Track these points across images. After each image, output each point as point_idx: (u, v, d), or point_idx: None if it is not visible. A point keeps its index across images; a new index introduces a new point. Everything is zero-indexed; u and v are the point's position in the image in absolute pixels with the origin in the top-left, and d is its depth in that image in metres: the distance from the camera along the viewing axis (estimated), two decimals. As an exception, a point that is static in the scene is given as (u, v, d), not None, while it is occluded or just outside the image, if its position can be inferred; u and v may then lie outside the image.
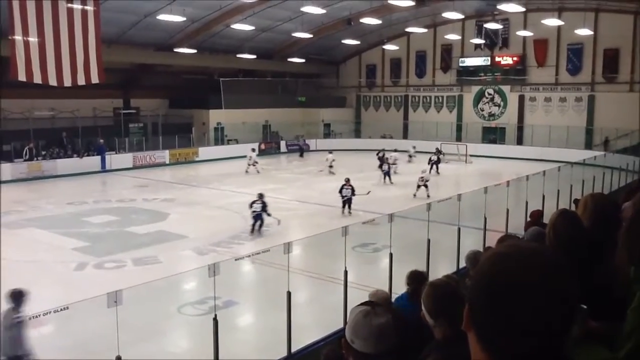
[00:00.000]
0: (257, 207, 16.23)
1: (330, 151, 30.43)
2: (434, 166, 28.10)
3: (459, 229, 10.51)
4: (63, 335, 8.66)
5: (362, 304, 2.17)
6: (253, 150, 31.12)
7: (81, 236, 15.76)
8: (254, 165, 28.86)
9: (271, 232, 16.06)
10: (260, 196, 16.54)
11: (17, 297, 6.56)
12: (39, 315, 5.05)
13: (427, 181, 21.61)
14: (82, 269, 12.76)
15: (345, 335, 2.04)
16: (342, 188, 18.73)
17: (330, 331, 7.84)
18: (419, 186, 21.42)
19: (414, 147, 33.93)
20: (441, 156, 30.48)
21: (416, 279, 5.76)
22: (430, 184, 21.67)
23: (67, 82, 17.66)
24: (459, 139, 37.94)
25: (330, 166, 27.97)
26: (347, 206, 18.51)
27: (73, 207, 20.03)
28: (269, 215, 16.09)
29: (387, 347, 1.98)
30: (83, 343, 8.47)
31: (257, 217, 16.14)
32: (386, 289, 7.99)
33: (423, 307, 2.54)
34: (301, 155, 36.97)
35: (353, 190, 18.61)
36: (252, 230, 15.99)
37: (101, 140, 29.95)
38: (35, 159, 27.35)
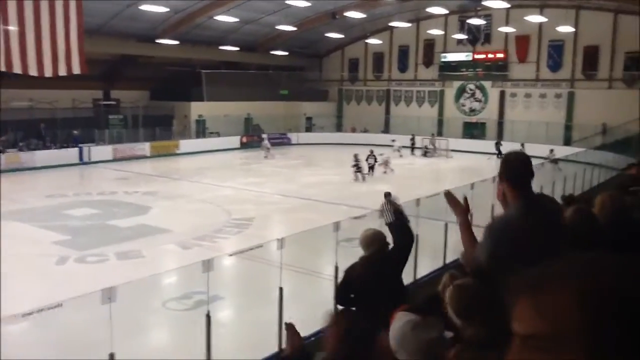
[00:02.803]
0: (371, 160, 25.09)
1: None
2: (370, 170, 25.50)
3: (446, 224, 10.54)
4: (50, 331, 8.52)
5: (410, 308, 2.06)
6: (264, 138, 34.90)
7: (62, 229, 15.53)
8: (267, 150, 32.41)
9: (254, 226, 16.07)
10: (371, 152, 25.52)
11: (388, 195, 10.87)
12: (33, 313, 4.94)
13: (387, 162, 26.08)
14: (64, 263, 12.57)
15: (389, 337, 1.95)
16: (367, 157, 25.15)
17: (318, 327, 7.82)
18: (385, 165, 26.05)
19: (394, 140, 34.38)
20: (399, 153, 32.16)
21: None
22: (410, 177, 22.29)
23: (48, 73, 17.26)
24: (440, 134, 38.11)
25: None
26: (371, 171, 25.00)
27: (53, 199, 19.72)
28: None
29: None
30: (70, 339, 8.35)
31: (371, 168, 24.96)
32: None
33: (449, 309, 2.52)
34: (425, 155, 35.14)
35: (375, 159, 25.44)
36: (365, 176, 24.10)
37: (75, 132, 29.57)
38: (6, 151, 26.77)
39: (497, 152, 31.56)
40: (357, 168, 24.24)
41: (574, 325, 0.79)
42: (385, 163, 25.93)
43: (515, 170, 2.83)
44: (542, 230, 2.62)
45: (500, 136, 36.32)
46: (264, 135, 36.79)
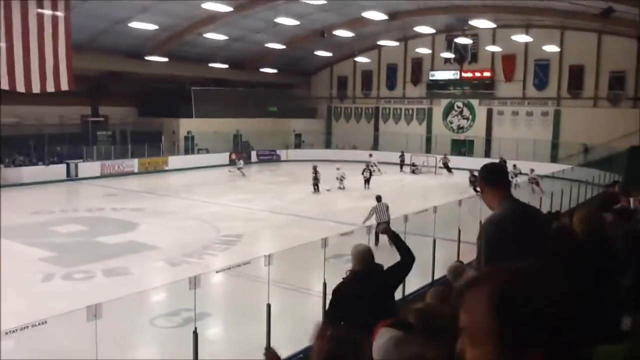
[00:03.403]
0: (367, 174, 26.53)
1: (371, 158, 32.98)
2: (366, 183, 26.73)
3: (434, 241, 10.58)
4: (34, 349, 8.40)
5: (393, 324, 2.04)
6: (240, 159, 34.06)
7: (48, 246, 15.39)
8: (239, 169, 31.82)
9: (242, 243, 16.01)
10: (367, 165, 27.49)
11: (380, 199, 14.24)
12: (17, 330, 4.88)
13: (342, 178, 26.20)
14: (50, 280, 12.44)
15: (373, 353, 1.93)
16: (363, 171, 26.74)
17: (306, 344, 7.78)
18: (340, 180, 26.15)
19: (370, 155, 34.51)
20: (375, 169, 31.21)
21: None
22: (398, 194, 22.47)
23: (36, 89, 17.23)
24: (428, 151, 38.41)
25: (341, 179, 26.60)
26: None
27: (39, 216, 19.56)
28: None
29: None
30: (55, 357, 8.22)
31: (367, 181, 26.22)
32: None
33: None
34: (413, 172, 34.57)
35: (371, 172, 26.85)
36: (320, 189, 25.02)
37: (58, 148, 29.48)
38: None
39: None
40: (315, 180, 24.77)
41: (485, 325, 0.90)
42: (341, 179, 26.23)
43: (494, 173, 3.05)
44: (525, 225, 2.72)
45: (488, 154, 36.64)
46: (253, 153, 36.91)
